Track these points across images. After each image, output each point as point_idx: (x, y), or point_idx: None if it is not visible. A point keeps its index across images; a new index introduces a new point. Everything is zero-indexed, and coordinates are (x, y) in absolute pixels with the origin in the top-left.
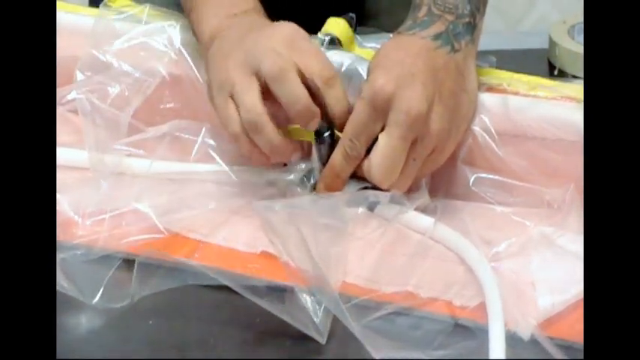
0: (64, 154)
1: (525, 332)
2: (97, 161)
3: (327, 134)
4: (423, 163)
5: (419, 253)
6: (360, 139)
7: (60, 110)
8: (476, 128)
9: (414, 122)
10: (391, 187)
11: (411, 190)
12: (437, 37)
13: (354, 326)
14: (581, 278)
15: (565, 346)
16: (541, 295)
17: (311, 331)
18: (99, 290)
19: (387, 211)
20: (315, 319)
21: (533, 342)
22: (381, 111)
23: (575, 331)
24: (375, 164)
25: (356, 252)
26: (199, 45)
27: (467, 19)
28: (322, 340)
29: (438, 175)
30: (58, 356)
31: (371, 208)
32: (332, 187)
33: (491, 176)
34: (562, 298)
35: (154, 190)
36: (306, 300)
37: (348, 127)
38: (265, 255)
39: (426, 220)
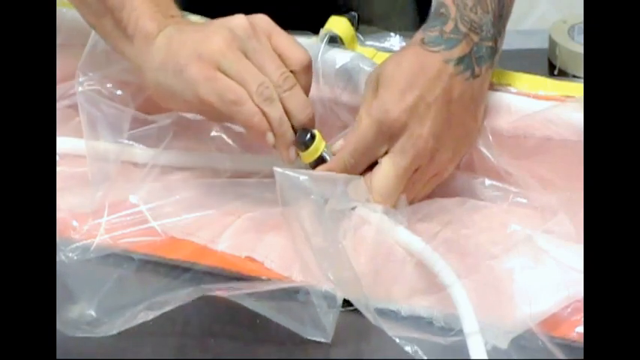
0: (65, 144)
1: (503, 343)
2: (96, 151)
3: (307, 137)
4: (424, 187)
5: (400, 259)
6: (361, 158)
7: (61, 107)
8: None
9: (420, 155)
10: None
11: None
12: (460, 60)
13: (373, 315)
14: (563, 286)
15: (564, 345)
16: (519, 306)
17: (316, 333)
18: (95, 299)
19: (367, 215)
20: (321, 318)
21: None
22: (389, 137)
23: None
24: (376, 188)
25: None
26: (134, 40)
27: (490, 43)
28: (328, 339)
29: None
30: (57, 356)
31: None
32: None
33: (487, 179)
34: (541, 309)
35: (152, 193)
36: (316, 299)
37: (351, 143)
38: (251, 259)
39: (404, 234)
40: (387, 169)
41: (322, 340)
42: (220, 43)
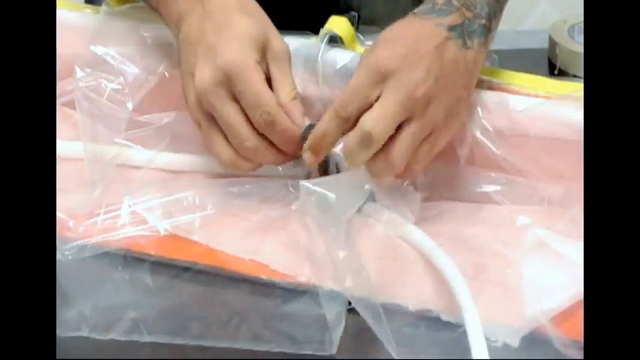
0: (62, 147)
1: (514, 341)
2: (93, 154)
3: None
4: (420, 149)
5: (408, 257)
6: (352, 103)
7: (58, 105)
8: (476, 128)
9: (411, 96)
10: (391, 165)
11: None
12: (452, 28)
13: (383, 329)
14: (573, 284)
15: (573, 343)
16: (529, 304)
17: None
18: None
19: (375, 213)
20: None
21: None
22: (380, 80)
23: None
24: (364, 124)
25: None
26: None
27: (483, 21)
28: (333, 351)
29: (440, 176)
30: (57, 356)
31: (360, 208)
32: (317, 149)
33: (492, 175)
34: (550, 306)
35: (150, 193)
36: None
37: (342, 91)
38: (254, 262)
39: (409, 229)
40: (376, 108)
41: (327, 354)
42: (206, 84)
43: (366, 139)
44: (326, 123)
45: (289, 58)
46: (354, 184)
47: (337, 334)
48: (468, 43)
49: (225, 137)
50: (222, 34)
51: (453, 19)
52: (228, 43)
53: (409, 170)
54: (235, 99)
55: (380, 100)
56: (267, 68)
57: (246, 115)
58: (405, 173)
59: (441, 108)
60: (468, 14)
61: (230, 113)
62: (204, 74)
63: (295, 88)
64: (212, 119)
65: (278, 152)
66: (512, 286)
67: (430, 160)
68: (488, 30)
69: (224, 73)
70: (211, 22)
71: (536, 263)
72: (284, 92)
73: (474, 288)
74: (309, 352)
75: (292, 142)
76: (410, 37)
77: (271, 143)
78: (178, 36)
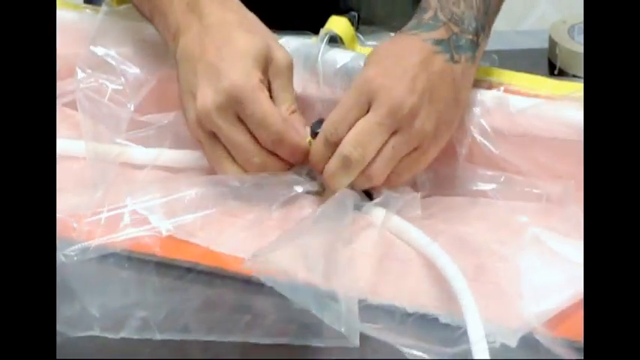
0: (63, 145)
1: (512, 342)
2: (94, 153)
3: (320, 129)
4: (404, 162)
5: (408, 259)
6: (341, 125)
7: (59, 106)
8: (476, 128)
9: (395, 111)
10: (368, 179)
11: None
12: (438, 42)
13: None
14: (570, 283)
15: (571, 343)
16: (527, 304)
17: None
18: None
19: (373, 213)
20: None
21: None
22: (366, 100)
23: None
24: (347, 138)
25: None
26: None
27: (470, 36)
28: (356, 343)
29: (439, 174)
30: (57, 356)
31: (358, 207)
32: (318, 169)
33: (490, 173)
34: (548, 307)
35: (152, 193)
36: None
37: (332, 114)
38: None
39: (405, 227)
40: (357, 128)
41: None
42: (210, 107)
43: (346, 163)
44: (319, 149)
45: (291, 70)
46: (340, 201)
47: (355, 325)
48: (456, 57)
49: (230, 154)
50: (224, 51)
51: (440, 33)
52: (231, 64)
53: (389, 182)
54: (240, 119)
55: (363, 118)
56: (269, 82)
57: (251, 133)
58: (386, 185)
59: (429, 121)
60: (455, 29)
61: (236, 134)
62: (207, 96)
63: (294, 102)
64: (215, 138)
65: (284, 164)
66: (510, 287)
67: (414, 175)
68: (476, 45)
69: (229, 95)
70: (211, 39)
71: (534, 263)
72: (283, 108)
73: (473, 288)
74: (322, 345)
75: (299, 154)
76: (395, 54)
77: (277, 156)
78: (176, 50)
